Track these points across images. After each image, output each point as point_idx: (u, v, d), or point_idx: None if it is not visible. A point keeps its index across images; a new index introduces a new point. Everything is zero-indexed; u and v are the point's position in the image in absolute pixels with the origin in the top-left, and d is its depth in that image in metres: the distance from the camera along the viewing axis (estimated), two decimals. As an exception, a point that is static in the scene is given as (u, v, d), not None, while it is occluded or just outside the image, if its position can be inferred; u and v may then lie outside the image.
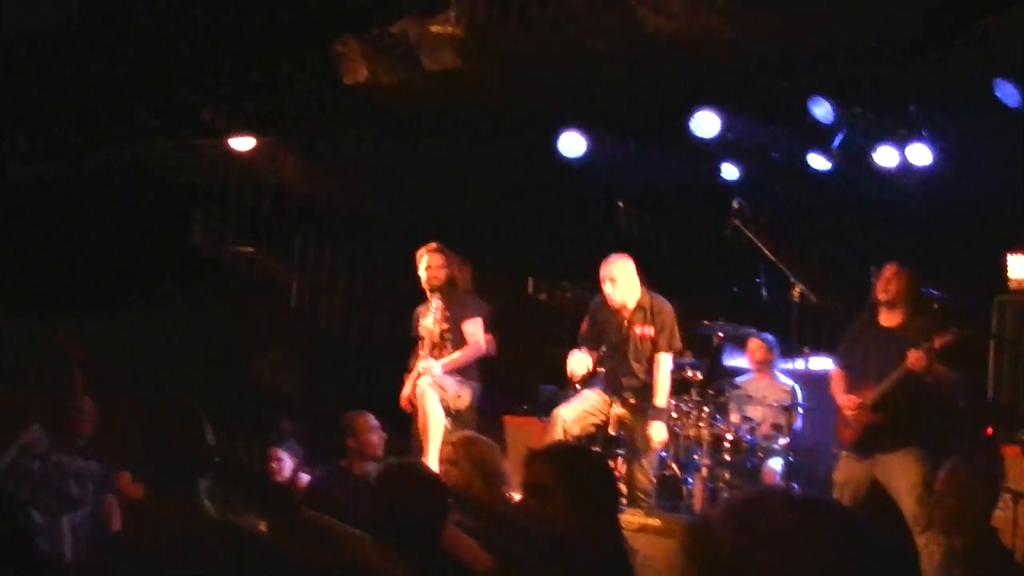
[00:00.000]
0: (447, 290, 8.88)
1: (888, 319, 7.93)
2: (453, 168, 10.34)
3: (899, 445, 7.64)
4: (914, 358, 7.49)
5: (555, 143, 9.76)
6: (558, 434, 8.27)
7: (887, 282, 7.89)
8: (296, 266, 10.72)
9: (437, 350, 8.81)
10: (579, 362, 8.48)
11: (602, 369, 8.79)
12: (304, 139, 9.66)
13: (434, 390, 8.52)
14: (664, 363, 8.52)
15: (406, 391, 8.92)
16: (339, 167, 10.11)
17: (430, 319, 8.82)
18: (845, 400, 7.90)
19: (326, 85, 8.65)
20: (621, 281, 8.50)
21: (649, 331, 8.53)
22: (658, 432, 8.40)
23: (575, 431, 8.35)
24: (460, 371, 8.81)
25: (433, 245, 8.93)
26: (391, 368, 9.48)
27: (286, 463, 8.34)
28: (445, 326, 8.83)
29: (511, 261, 10.42)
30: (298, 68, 8.64)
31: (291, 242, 10.69)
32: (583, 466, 3.95)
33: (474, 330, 8.85)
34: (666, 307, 8.57)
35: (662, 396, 8.50)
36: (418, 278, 8.98)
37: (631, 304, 8.55)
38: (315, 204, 10.62)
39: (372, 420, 8.18)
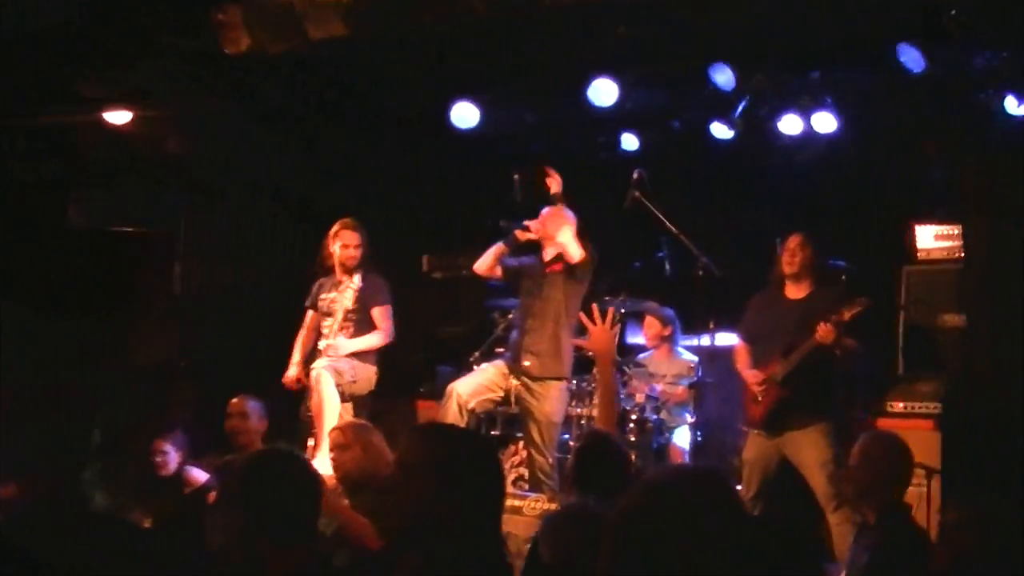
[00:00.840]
0: (360, 271, 8.68)
1: (794, 291, 8.00)
2: (340, 141, 10.18)
3: (808, 421, 7.70)
4: (823, 331, 7.54)
5: (447, 114, 9.68)
6: (452, 409, 8.09)
7: (792, 254, 7.95)
8: (181, 245, 10.47)
9: (339, 330, 8.63)
10: None
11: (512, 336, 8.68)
12: (185, 112, 9.45)
13: (329, 373, 8.33)
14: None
15: (292, 371, 8.79)
16: (223, 141, 9.91)
17: (347, 297, 8.58)
18: (751, 375, 7.93)
19: (206, 55, 8.48)
20: (554, 226, 8.37)
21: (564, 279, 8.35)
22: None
23: (471, 405, 8.16)
24: (359, 355, 8.64)
25: (349, 221, 8.75)
26: (283, 349, 9.33)
27: (171, 456, 8.14)
28: (355, 306, 8.63)
29: (403, 238, 10.29)
30: (176, 37, 8.45)
31: (175, 221, 10.43)
32: (455, 447, 3.83)
33: (384, 317, 8.70)
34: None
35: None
36: (325, 254, 8.80)
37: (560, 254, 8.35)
38: (199, 182, 10.33)
39: (250, 405, 8.14)
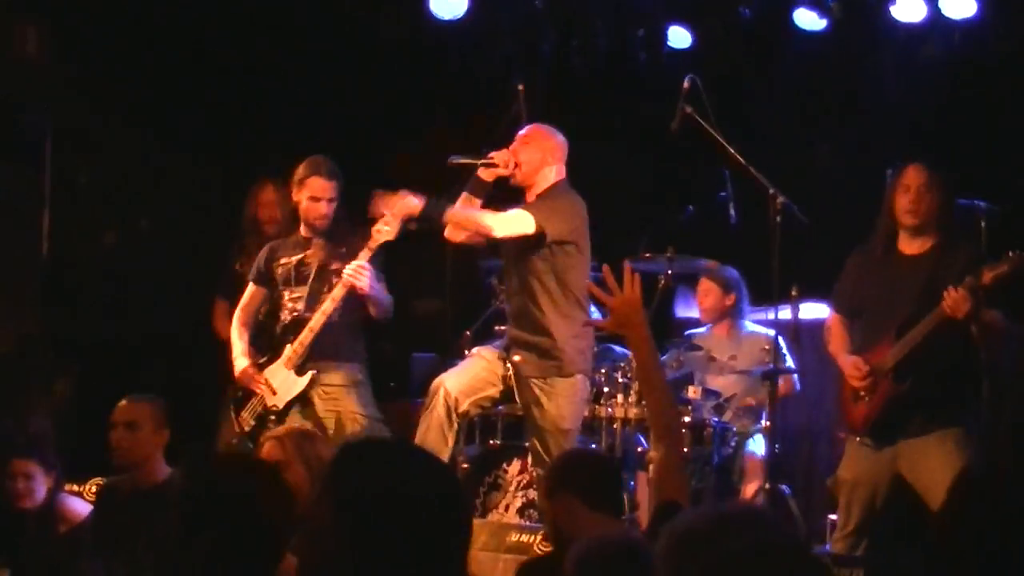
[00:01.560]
0: (336, 232, 8.51)
1: (912, 245, 7.70)
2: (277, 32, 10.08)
3: (934, 426, 7.46)
4: (953, 300, 7.25)
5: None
6: (438, 413, 7.90)
7: (912, 193, 7.60)
8: (49, 185, 10.25)
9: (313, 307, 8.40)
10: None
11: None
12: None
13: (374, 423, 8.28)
14: (512, 214, 7.95)
15: (242, 362, 8.52)
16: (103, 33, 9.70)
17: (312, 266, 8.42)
18: (851, 363, 7.64)
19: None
20: (530, 158, 8.02)
21: None
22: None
23: (463, 407, 7.98)
24: (354, 350, 8.54)
25: (321, 161, 8.52)
26: (194, 330, 9.20)
27: (38, 481, 7.80)
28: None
29: (363, 172, 9.96)
30: None
31: (39, 153, 10.17)
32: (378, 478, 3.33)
33: (382, 287, 8.47)
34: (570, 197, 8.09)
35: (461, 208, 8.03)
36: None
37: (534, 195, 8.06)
38: (73, 97, 10.13)
39: (145, 410, 7.63)
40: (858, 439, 7.68)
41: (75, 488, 8.06)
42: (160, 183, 10.68)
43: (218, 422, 8.87)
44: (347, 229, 8.56)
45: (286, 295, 8.54)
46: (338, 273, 8.33)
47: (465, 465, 8.94)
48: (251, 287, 8.74)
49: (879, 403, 7.56)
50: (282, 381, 8.31)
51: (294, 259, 8.58)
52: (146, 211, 10.69)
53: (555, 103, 8.61)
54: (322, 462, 6.13)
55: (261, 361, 8.47)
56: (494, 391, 8.12)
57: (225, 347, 8.78)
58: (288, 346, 8.34)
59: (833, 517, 7.93)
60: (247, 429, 8.38)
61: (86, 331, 10.05)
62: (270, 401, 8.35)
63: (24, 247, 9.80)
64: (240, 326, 8.73)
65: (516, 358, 8.02)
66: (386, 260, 8.51)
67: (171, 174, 10.60)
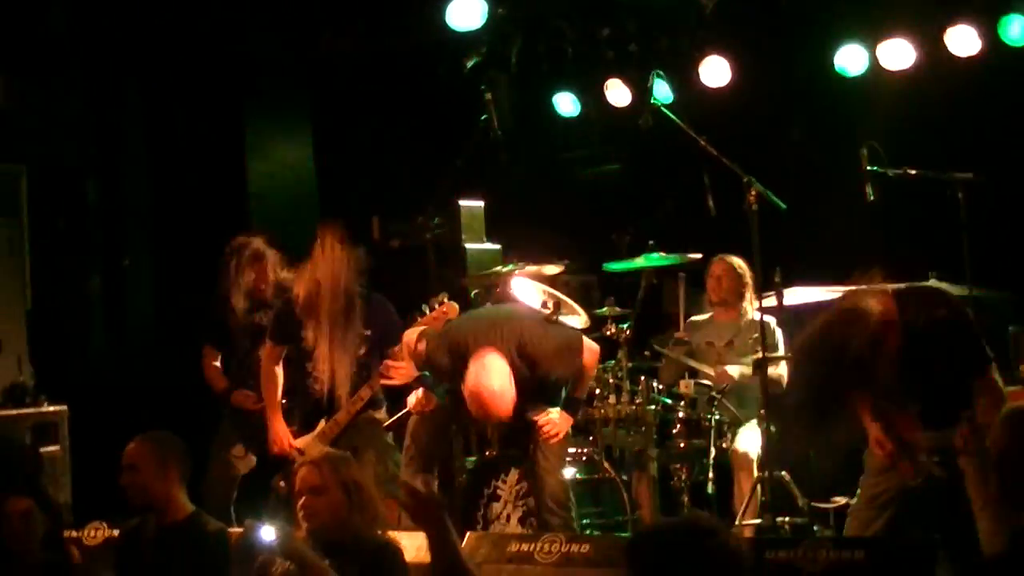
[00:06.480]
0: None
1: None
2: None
3: None
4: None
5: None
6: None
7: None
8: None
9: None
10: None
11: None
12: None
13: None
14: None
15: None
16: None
17: None
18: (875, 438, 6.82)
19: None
20: None
21: None
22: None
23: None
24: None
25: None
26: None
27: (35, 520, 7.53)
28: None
29: (339, 195, 10.02)
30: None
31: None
32: None
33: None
34: None
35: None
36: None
37: None
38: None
39: (146, 448, 7.38)
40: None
41: (73, 534, 7.89)
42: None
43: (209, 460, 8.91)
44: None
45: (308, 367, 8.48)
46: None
47: (463, 477, 8.97)
48: (273, 345, 8.68)
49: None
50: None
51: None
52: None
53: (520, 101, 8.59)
54: (358, 485, 6.45)
55: (291, 430, 8.45)
56: None
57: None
58: (322, 421, 8.37)
59: (840, 499, 7.90)
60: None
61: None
62: None
63: (8, 296, 9.81)
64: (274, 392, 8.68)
65: None
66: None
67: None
